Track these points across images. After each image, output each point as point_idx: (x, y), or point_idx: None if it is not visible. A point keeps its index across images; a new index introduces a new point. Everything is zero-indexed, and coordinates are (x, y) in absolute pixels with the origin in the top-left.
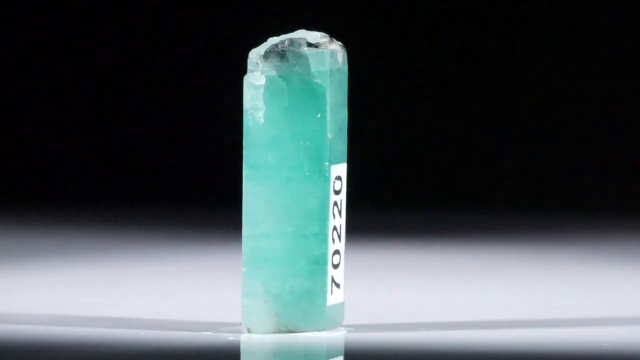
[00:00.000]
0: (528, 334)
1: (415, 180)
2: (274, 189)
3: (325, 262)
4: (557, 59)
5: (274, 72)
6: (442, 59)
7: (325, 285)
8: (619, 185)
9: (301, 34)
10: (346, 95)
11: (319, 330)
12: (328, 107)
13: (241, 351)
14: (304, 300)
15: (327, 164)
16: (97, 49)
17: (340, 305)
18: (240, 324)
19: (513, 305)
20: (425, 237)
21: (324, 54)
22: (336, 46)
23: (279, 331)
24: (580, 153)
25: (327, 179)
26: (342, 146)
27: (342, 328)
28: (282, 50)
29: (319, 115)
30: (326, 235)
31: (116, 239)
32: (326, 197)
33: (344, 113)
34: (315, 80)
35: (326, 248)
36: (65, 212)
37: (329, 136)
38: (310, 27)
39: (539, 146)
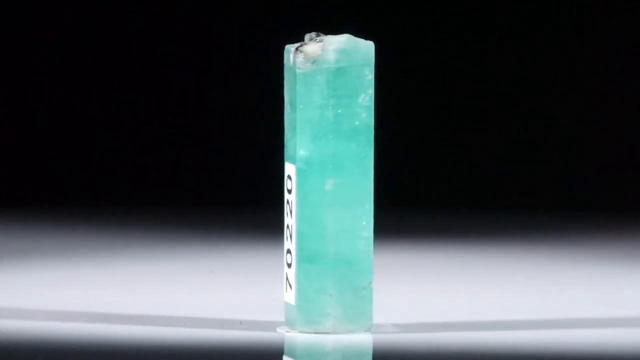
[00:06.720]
0: (543, 334)
1: (438, 182)
2: None
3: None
4: (558, 59)
5: None
6: (462, 64)
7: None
8: (619, 186)
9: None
10: (301, 95)
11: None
12: (286, 104)
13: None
14: None
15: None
16: (116, 46)
17: (291, 307)
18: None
19: (534, 306)
20: (450, 238)
21: (286, 53)
22: (291, 47)
23: None
24: (585, 155)
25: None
26: (296, 146)
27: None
28: None
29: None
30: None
31: (137, 238)
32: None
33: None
34: None
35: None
36: (81, 212)
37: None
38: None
39: (544, 149)
